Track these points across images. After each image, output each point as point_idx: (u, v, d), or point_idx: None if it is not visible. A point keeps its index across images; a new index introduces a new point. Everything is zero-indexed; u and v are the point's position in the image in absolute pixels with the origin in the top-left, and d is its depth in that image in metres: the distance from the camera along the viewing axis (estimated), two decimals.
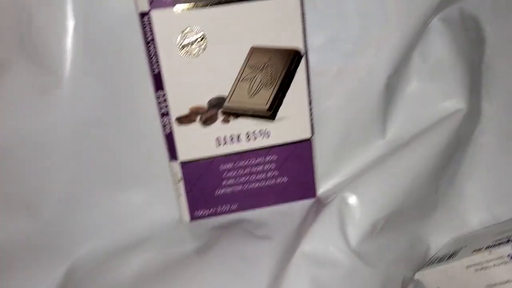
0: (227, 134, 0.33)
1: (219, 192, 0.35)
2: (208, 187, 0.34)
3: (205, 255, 0.33)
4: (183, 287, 0.31)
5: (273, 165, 0.35)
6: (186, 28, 0.30)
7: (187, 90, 0.32)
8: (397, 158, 0.34)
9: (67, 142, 0.32)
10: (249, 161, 0.34)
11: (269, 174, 0.35)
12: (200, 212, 0.35)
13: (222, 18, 0.30)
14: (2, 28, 0.30)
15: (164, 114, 0.32)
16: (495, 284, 0.31)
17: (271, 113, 0.33)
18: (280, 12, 0.31)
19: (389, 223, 0.34)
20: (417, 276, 0.35)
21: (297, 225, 0.34)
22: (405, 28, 0.33)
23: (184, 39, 0.30)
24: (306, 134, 0.34)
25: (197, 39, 0.31)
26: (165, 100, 0.32)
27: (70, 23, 0.30)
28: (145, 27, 0.30)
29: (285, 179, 0.35)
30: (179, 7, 0.30)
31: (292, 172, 0.35)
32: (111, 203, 0.34)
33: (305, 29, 0.32)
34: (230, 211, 0.35)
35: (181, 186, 0.34)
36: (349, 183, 0.34)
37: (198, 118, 0.32)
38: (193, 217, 0.35)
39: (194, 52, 0.31)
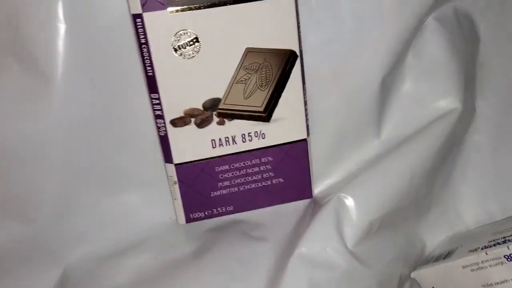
0: (222, 136, 0.33)
1: (215, 194, 0.35)
2: (203, 189, 0.34)
3: (201, 257, 0.33)
4: None
5: (269, 166, 0.34)
6: (180, 30, 0.30)
7: (182, 92, 0.31)
8: (392, 158, 0.35)
9: (60, 145, 0.32)
10: (244, 162, 0.34)
11: (265, 175, 0.35)
12: (196, 214, 0.35)
13: (216, 20, 0.30)
14: None
15: (158, 117, 0.32)
16: (491, 284, 0.31)
17: (266, 115, 0.33)
18: (274, 13, 0.31)
19: (385, 223, 0.34)
20: (413, 275, 0.36)
21: (293, 226, 0.34)
22: (400, 28, 0.33)
23: (178, 41, 0.30)
24: (301, 135, 0.34)
25: (190, 41, 0.30)
26: (159, 103, 0.31)
27: (62, 26, 0.29)
28: (138, 29, 0.30)
29: (281, 180, 0.35)
30: (172, 9, 0.29)
31: (288, 173, 0.35)
32: (106, 206, 0.34)
33: (299, 30, 0.32)
34: (226, 213, 0.35)
35: (177, 188, 0.34)
36: (345, 184, 0.34)
37: (193, 120, 0.32)
38: (189, 219, 0.35)
39: (188, 54, 0.31)
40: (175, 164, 0.33)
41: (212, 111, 0.32)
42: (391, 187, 0.34)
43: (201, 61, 0.31)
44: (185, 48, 0.30)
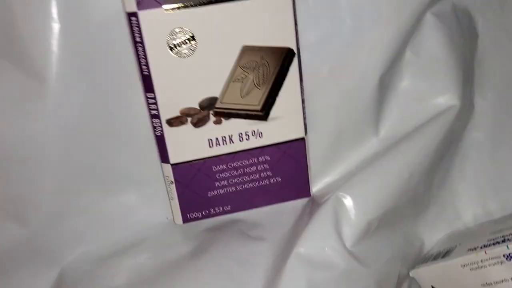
0: (219, 135, 0.33)
1: (212, 193, 0.34)
2: (201, 189, 0.34)
3: (198, 257, 0.33)
4: None
5: (266, 166, 0.34)
6: (175, 28, 0.30)
7: (178, 92, 0.31)
8: (391, 156, 0.34)
9: (56, 146, 0.32)
10: (242, 162, 0.34)
11: (262, 175, 0.34)
12: (193, 214, 0.35)
13: (212, 18, 0.30)
14: None
15: (154, 116, 0.32)
16: (490, 284, 0.31)
17: (263, 113, 0.32)
18: (271, 11, 0.30)
19: (383, 222, 0.34)
20: (412, 273, 0.36)
21: (291, 225, 0.34)
22: (398, 24, 0.33)
23: (174, 39, 0.30)
24: (299, 134, 0.34)
25: (186, 39, 0.30)
26: (155, 102, 0.31)
27: (56, 26, 0.29)
28: (133, 28, 0.29)
29: (278, 179, 0.35)
30: (168, 7, 0.29)
31: (285, 172, 0.35)
32: (103, 207, 0.34)
33: (297, 27, 0.31)
34: (224, 212, 0.35)
35: (173, 188, 0.34)
36: (344, 182, 0.34)
37: (190, 119, 0.32)
38: (186, 220, 0.35)
39: (184, 53, 0.30)
40: (172, 164, 0.33)
41: (208, 110, 0.32)
42: (390, 186, 0.34)
43: (197, 59, 0.30)
44: (181, 46, 0.30)
